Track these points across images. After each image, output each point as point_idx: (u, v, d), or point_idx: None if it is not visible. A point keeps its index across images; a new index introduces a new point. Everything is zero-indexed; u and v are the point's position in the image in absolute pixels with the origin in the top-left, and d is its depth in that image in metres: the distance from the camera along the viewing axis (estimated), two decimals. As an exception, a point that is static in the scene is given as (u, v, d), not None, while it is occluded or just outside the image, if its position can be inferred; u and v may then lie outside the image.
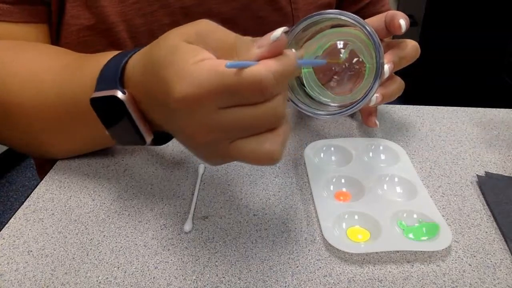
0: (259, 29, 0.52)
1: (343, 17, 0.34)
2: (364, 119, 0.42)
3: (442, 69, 1.92)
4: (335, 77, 0.37)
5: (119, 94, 0.28)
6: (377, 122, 0.41)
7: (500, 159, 0.40)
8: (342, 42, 0.36)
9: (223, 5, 0.48)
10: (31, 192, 0.36)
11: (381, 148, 0.40)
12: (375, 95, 0.35)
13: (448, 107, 0.49)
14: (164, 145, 0.41)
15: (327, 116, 0.37)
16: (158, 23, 0.44)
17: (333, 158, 0.39)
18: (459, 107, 0.49)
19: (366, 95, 0.33)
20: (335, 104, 0.37)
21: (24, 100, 0.35)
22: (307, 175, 0.37)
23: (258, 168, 0.38)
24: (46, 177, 0.38)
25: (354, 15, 0.33)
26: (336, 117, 0.46)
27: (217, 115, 0.24)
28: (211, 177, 0.37)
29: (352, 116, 0.47)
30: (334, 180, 0.36)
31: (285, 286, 0.28)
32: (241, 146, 0.25)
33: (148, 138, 0.30)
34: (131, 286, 0.28)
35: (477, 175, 0.37)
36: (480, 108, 0.49)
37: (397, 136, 0.43)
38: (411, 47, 0.38)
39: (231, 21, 0.49)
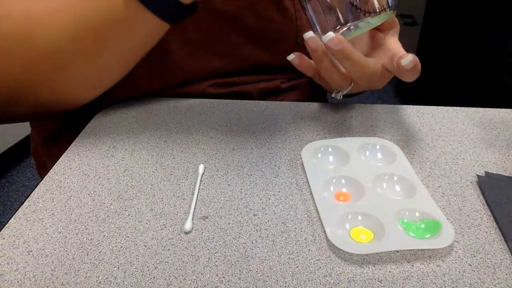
0: (264, 29, 0.53)
1: None
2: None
3: (442, 69, 1.92)
4: None
5: None
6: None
7: (500, 159, 0.40)
8: None
9: (228, 3, 0.48)
10: (31, 192, 0.36)
11: (377, 147, 0.40)
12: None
13: (448, 107, 0.49)
14: (164, 145, 0.42)
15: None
16: None
17: (330, 158, 0.39)
18: (459, 107, 0.49)
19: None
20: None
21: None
22: (306, 176, 0.37)
23: (258, 168, 0.38)
24: (46, 177, 0.38)
25: None
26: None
27: None
28: (211, 177, 0.37)
29: (349, 115, 0.47)
30: (334, 181, 0.36)
31: (285, 286, 0.28)
32: None
33: None
34: (131, 286, 0.28)
35: (477, 175, 0.37)
36: (480, 108, 0.49)
37: (397, 136, 0.44)
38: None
39: (236, 20, 0.50)
